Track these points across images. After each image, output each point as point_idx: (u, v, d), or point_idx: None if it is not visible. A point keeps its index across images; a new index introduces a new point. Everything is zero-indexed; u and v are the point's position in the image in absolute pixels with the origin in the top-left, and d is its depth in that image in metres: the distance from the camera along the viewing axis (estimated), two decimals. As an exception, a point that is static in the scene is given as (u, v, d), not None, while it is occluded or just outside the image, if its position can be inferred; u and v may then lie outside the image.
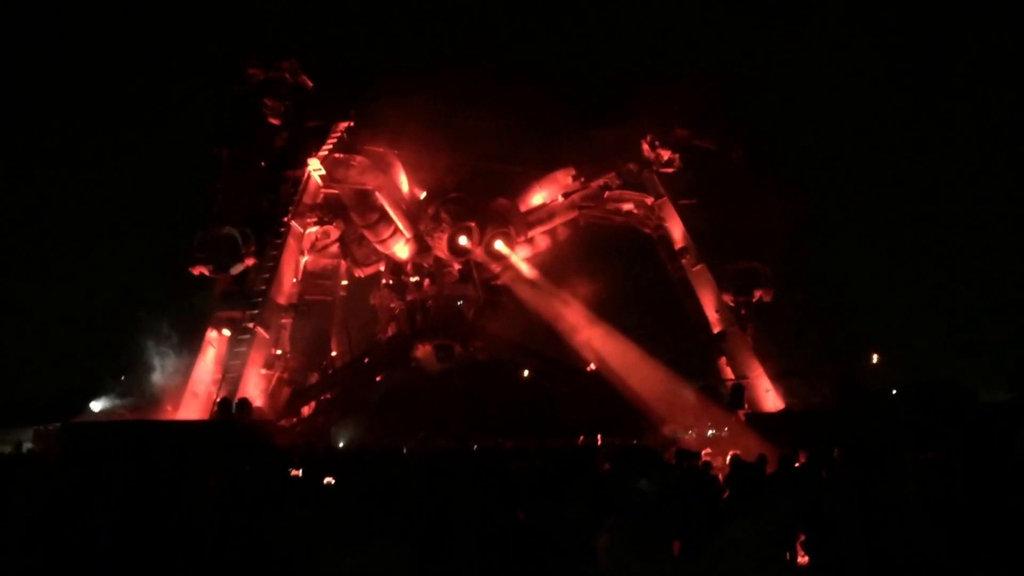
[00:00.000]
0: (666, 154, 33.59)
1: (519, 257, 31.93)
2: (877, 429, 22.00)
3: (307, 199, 29.75)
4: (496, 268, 31.67)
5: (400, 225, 30.78)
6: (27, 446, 30.00)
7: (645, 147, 33.64)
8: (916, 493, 6.87)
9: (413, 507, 8.94)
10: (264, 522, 8.68)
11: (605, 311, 32.23)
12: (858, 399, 28.68)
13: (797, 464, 13.45)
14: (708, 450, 20.67)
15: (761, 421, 28.47)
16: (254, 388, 26.18)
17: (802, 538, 8.07)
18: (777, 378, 31.48)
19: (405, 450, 20.73)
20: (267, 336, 27.25)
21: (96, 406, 30.16)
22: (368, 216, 30.88)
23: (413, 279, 32.38)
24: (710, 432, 31.91)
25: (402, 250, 31.96)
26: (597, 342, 30.55)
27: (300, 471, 12.56)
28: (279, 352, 28.37)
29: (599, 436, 28.00)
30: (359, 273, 33.74)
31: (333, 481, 10.88)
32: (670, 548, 6.63)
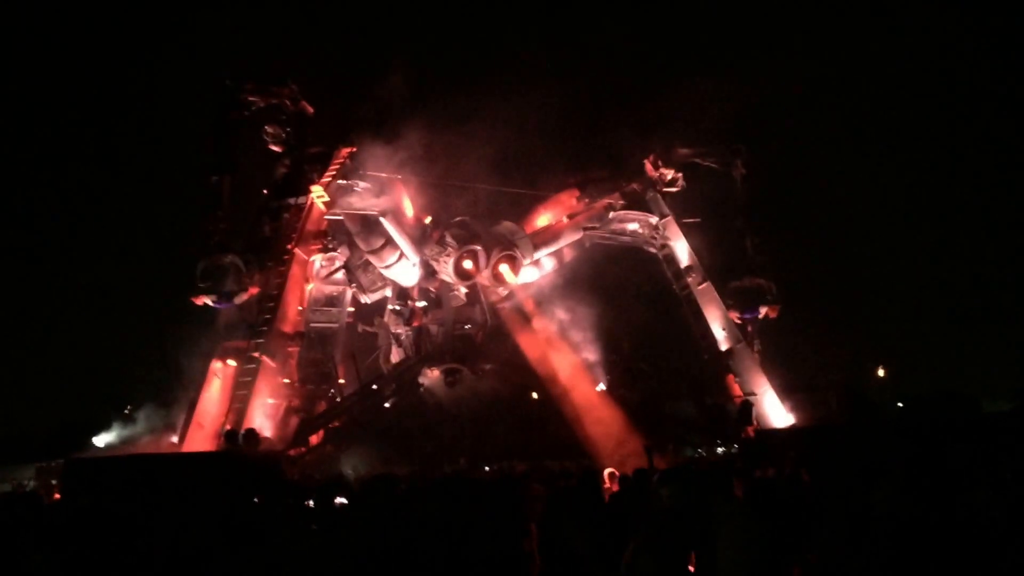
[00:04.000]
0: (669, 173, 33.68)
1: (525, 280, 31.90)
2: (881, 442, 21.86)
3: (310, 226, 29.58)
4: (503, 291, 31.54)
5: (405, 250, 30.65)
6: (29, 484, 29.86)
7: (648, 167, 33.72)
8: (908, 509, 6.68)
9: (421, 535, 8.77)
10: (275, 554, 8.51)
11: (608, 333, 32.31)
12: (864, 412, 28.61)
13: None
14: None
15: (770, 437, 28.40)
16: (261, 418, 25.95)
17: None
18: (784, 393, 31.48)
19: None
20: (273, 365, 27.03)
21: (99, 441, 29.95)
22: (373, 242, 30.74)
23: (419, 304, 32.28)
24: (719, 451, 31.90)
25: (408, 275, 31.82)
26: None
27: (311, 502, 12.37)
28: (286, 381, 28.18)
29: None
30: (365, 299, 33.57)
31: (344, 511, 10.70)
32: (688, 559, 6.55)
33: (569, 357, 31.09)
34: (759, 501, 6.66)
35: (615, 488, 15.99)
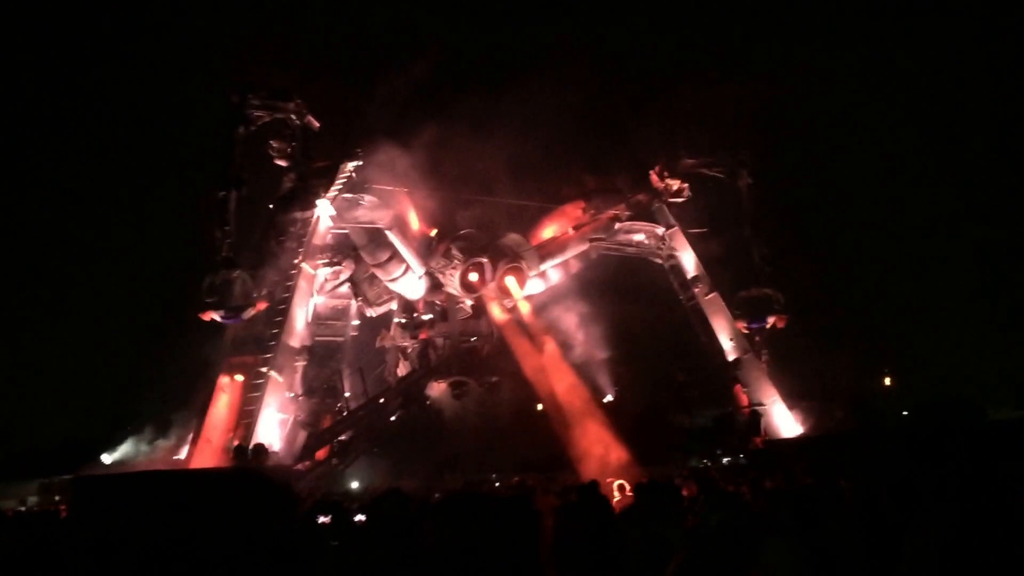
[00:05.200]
0: (675, 184, 33.69)
1: (532, 292, 31.87)
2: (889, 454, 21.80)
3: (316, 240, 29.54)
4: (508, 303, 31.50)
5: (411, 263, 30.63)
6: (32, 500, 29.73)
7: (654, 177, 33.75)
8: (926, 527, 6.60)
9: (433, 551, 8.66)
10: (290, 571, 8.44)
11: (616, 342, 32.28)
12: (870, 421, 28.61)
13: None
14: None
15: (778, 447, 28.36)
16: (270, 433, 25.90)
17: None
18: (791, 403, 31.45)
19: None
20: (281, 380, 26.97)
21: (107, 458, 29.85)
22: (379, 255, 30.74)
23: (425, 317, 32.22)
24: (725, 460, 31.80)
25: (414, 288, 31.79)
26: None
27: (323, 518, 12.29)
28: (293, 395, 28.11)
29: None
30: (371, 313, 33.53)
31: (361, 526, 10.63)
32: None
33: (575, 368, 31.03)
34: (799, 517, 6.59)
35: (625, 500, 15.93)
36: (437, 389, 30.57)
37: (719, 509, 7.67)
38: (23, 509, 25.49)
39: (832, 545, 6.42)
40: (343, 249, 31.05)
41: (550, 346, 30.99)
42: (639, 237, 34.08)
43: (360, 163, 29.34)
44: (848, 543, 6.75)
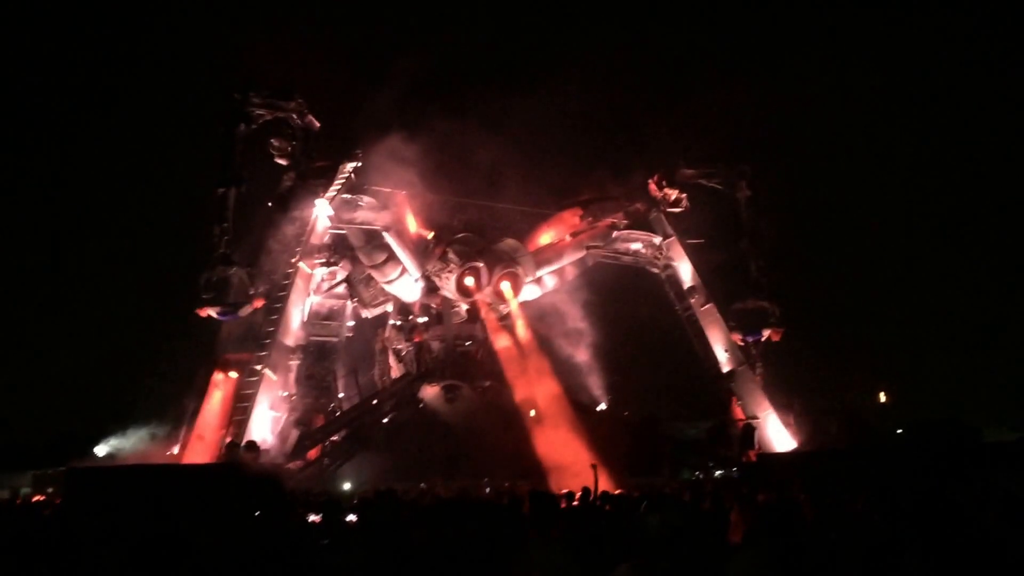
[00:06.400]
0: (673, 193, 33.73)
1: (527, 297, 31.85)
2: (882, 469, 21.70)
3: (314, 240, 29.58)
4: (504, 308, 31.48)
5: (408, 265, 30.61)
6: (25, 491, 29.71)
7: (652, 187, 33.78)
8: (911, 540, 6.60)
9: (422, 556, 8.65)
10: (278, 569, 8.43)
11: (611, 351, 32.26)
12: (865, 437, 28.51)
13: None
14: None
15: (771, 461, 28.25)
16: (262, 430, 25.91)
17: None
18: (786, 416, 31.38)
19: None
20: (275, 378, 26.99)
21: (100, 450, 29.80)
22: (375, 256, 30.73)
23: (421, 320, 32.20)
24: (718, 473, 31.67)
25: (410, 290, 31.77)
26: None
27: (314, 516, 12.28)
28: (286, 393, 28.11)
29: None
30: (366, 314, 33.47)
31: (351, 527, 10.62)
32: None
33: (568, 375, 31.00)
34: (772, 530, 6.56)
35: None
36: (430, 392, 30.50)
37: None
38: (5, 499, 25.43)
39: (800, 559, 6.40)
40: (340, 249, 30.99)
41: (543, 352, 30.95)
42: (636, 246, 34.10)
43: (359, 164, 29.36)
44: (818, 558, 6.74)
